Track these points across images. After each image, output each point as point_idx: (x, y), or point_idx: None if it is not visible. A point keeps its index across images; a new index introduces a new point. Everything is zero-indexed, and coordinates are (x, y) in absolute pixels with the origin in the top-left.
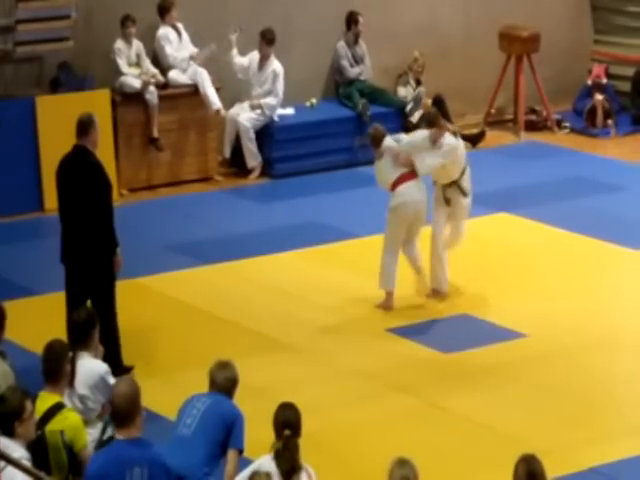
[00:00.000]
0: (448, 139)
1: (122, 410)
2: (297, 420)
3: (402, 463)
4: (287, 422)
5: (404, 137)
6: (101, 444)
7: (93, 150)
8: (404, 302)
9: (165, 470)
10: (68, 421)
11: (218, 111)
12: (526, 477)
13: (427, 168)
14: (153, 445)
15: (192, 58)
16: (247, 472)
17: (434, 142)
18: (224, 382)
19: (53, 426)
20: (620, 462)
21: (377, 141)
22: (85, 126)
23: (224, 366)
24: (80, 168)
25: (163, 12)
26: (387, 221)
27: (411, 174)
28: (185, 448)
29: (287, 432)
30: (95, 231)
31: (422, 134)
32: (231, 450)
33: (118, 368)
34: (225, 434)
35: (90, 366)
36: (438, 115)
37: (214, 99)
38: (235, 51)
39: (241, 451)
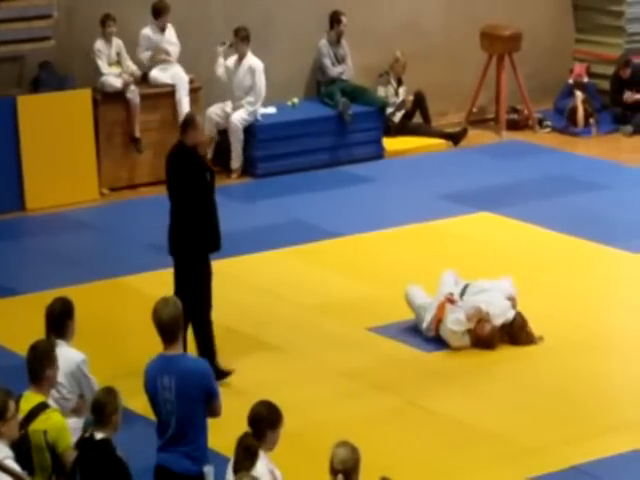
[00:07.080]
0: None
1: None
2: (264, 416)
3: (342, 444)
4: (252, 419)
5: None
6: (81, 442)
7: (191, 147)
8: (385, 302)
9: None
10: (51, 421)
11: None
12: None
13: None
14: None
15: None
16: None
17: None
18: (169, 323)
19: (36, 426)
20: (603, 460)
21: None
22: (184, 124)
23: (165, 304)
24: (175, 163)
25: (157, 14)
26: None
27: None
28: (176, 438)
29: (248, 430)
30: (186, 227)
31: (445, 281)
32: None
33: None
34: (205, 401)
35: (67, 355)
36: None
37: (186, 109)
38: (221, 61)
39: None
